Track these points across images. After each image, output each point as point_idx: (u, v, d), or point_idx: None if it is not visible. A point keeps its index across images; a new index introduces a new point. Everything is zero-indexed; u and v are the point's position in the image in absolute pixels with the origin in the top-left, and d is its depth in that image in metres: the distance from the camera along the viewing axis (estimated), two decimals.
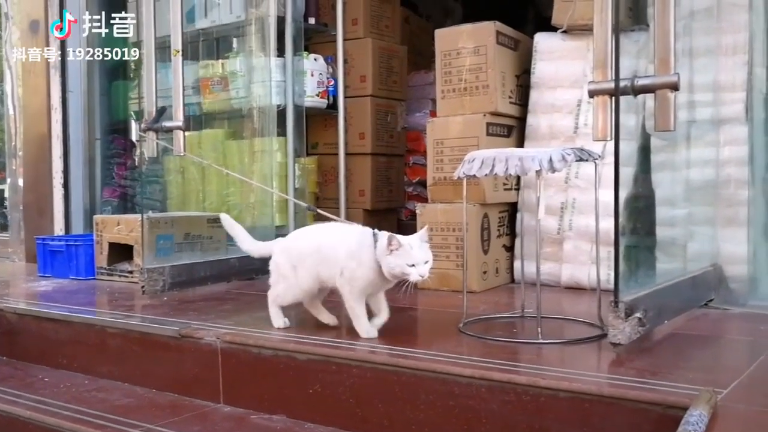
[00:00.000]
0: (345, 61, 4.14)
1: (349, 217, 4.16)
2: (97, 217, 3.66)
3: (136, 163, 4.39)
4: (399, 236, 2.03)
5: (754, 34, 2.66)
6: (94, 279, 3.63)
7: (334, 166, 4.19)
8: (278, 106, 3.83)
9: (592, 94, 2.01)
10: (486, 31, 3.01)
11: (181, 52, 2.93)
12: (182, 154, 2.99)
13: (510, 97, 3.13)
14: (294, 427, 2.00)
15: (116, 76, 4.63)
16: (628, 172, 2.95)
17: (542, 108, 3.14)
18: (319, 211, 2.49)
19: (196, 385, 2.28)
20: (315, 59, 4.03)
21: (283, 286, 2.30)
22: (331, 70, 4.13)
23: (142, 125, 2.93)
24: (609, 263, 2.98)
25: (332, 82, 4.12)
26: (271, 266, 2.35)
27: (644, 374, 1.70)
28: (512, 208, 3.27)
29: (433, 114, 4.75)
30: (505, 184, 3.15)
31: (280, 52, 3.86)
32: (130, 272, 3.48)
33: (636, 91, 1.96)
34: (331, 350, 2.02)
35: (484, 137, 2.98)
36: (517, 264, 3.25)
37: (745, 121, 2.68)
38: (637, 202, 3.07)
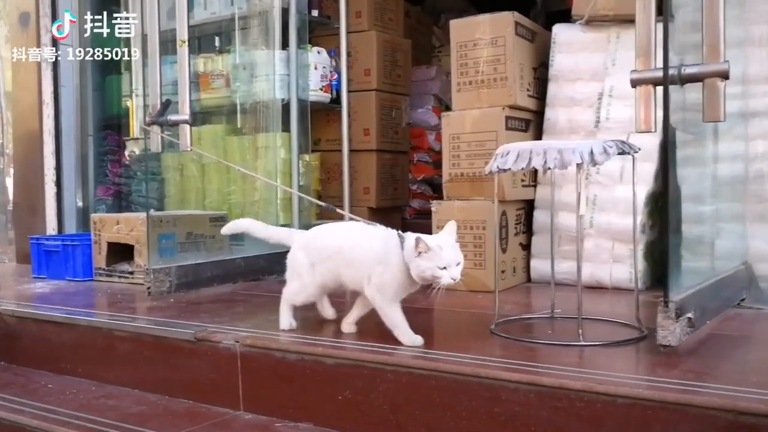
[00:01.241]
0: (348, 55, 4.03)
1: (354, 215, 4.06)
2: (95, 216, 3.51)
3: (133, 160, 4.24)
4: (427, 237, 1.92)
5: None
6: (92, 280, 3.48)
7: (338, 163, 4.08)
8: (282, 100, 3.71)
9: (634, 83, 1.92)
10: (504, 21, 2.91)
11: (187, 43, 2.80)
12: (189, 149, 2.86)
13: (528, 90, 3.04)
14: None
15: (110, 70, 4.47)
16: (649, 168, 2.87)
17: (561, 101, 3.05)
18: (339, 210, 2.37)
19: (213, 392, 2.16)
20: (318, 52, 3.92)
21: (298, 285, 2.19)
22: (334, 63, 4.02)
23: (147, 119, 2.80)
24: (632, 262, 2.91)
25: (335, 76, 4.02)
26: (288, 261, 2.23)
27: (704, 378, 1.61)
28: (529, 206, 3.17)
29: (436, 110, 4.68)
30: (522, 180, 3.05)
31: (283, 45, 3.74)
32: (131, 273, 3.35)
33: (683, 80, 1.87)
34: (363, 354, 1.91)
35: (503, 131, 2.89)
36: (533, 263, 3.16)
37: None
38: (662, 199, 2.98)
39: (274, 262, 3.43)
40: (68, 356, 2.53)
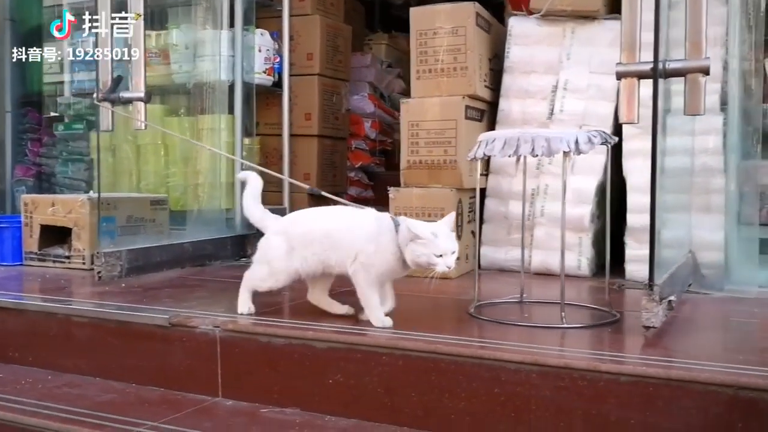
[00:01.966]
0: (291, 38, 3.97)
1: (294, 203, 4.01)
2: (26, 197, 3.31)
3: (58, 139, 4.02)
4: (422, 224, 1.94)
5: (729, 28, 2.75)
6: (22, 265, 3.29)
7: (276, 148, 4.02)
8: (226, 81, 3.61)
9: (620, 76, 1.99)
10: (465, 11, 2.94)
11: (142, 16, 2.69)
12: (143, 128, 2.74)
13: (484, 81, 3.09)
14: (313, 420, 1.87)
15: (31, 41, 4.19)
16: (599, 160, 2.98)
17: (515, 93, 3.12)
18: (324, 193, 2.33)
19: (188, 378, 2.09)
20: (261, 34, 3.84)
21: (267, 271, 2.13)
22: (276, 46, 3.95)
23: (98, 95, 2.67)
24: (580, 250, 3.03)
25: (278, 59, 3.94)
26: (262, 245, 2.17)
27: (695, 356, 1.69)
28: (480, 194, 3.22)
29: (372, 97, 4.70)
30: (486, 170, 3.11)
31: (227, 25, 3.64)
32: (67, 257, 3.18)
33: (667, 74, 1.95)
34: (356, 338, 1.90)
35: (463, 120, 2.93)
36: (483, 250, 3.22)
37: (720, 112, 2.77)
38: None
39: (219, 248, 3.37)
40: (16, 344, 2.39)
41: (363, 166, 4.56)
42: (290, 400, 1.95)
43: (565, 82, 3.01)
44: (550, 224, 3.05)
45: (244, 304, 2.17)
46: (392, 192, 3.03)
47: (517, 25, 3.12)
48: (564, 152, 2.01)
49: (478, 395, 1.74)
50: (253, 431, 1.80)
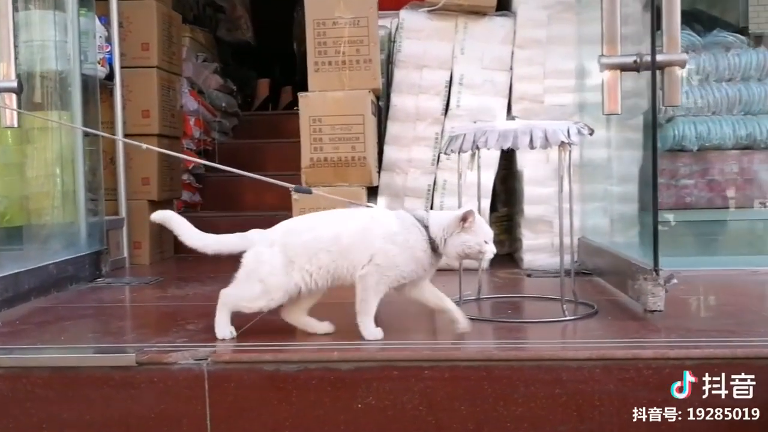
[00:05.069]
0: (120, 25, 3.50)
1: (132, 211, 3.55)
2: None
3: None
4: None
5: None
6: None
7: (107, 150, 3.51)
8: (60, 73, 3.05)
9: (603, 68, 2.03)
10: (367, 1, 2.80)
11: None
12: (15, 125, 2.20)
13: (382, 75, 2.99)
14: None
15: None
16: (495, 154, 3.02)
17: (407, 88, 3.05)
18: (316, 191, 2.05)
19: (162, 427, 1.72)
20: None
21: (260, 289, 1.82)
22: (107, 33, 3.44)
23: None
24: None
25: (109, 48, 3.44)
26: (248, 261, 1.86)
27: (723, 333, 1.80)
28: (373, 192, 3.11)
29: (193, 94, 4.33)
30: (378, 167, 3.00)
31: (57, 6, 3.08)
32: None
33: (643, 67, 2.03)
34: (392, 353, 1.72)
35: (370, 115, 2.80)
36: None
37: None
38: (507, 182, 3.20)
39: (79, 268, 2.87)
40: None
41: (192, 168, 4.18)
42: None
43: (460, 77, 3.01)
44: None
45: (225, 327, 1.86)
46: (295, 194, 2.78)
47: (409, 18, 3.05)
48: (561, 143, 2.00)
49: (537, 399, 1.66)
50: None
